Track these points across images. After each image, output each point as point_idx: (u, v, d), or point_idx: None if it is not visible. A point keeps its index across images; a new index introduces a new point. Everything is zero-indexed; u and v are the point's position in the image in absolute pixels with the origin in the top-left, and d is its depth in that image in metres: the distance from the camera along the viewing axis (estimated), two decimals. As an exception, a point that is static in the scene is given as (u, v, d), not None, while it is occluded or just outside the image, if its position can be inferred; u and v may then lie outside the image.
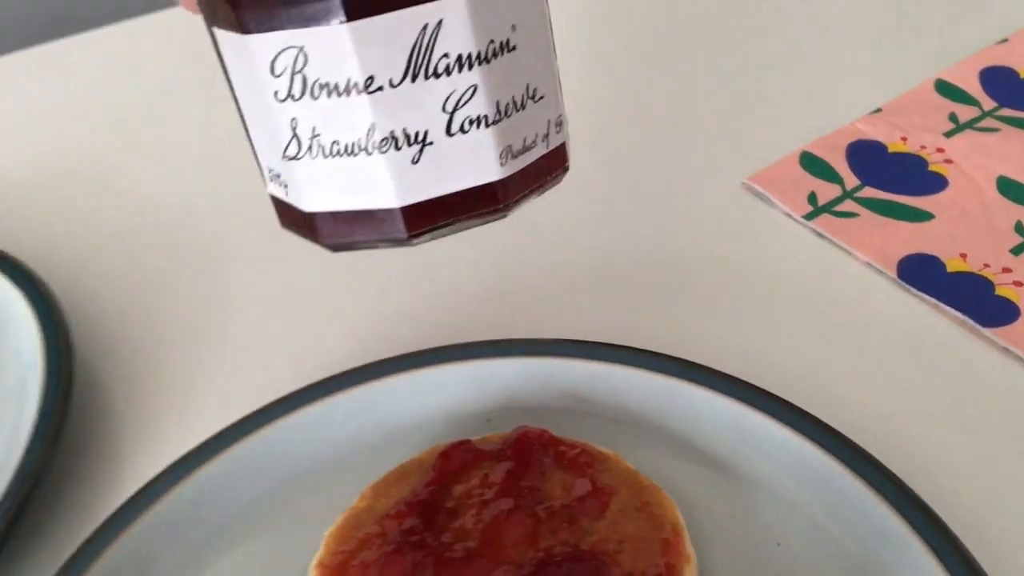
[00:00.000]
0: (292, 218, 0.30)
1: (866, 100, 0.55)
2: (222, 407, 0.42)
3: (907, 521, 0.33)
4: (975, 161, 0.49)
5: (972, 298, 0.42)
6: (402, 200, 0.28)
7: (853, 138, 0.52)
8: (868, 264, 0.45)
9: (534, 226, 0.49)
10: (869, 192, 0.49)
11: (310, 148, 0.28)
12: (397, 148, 0.27)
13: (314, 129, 0.27)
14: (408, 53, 0.26)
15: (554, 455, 0.36)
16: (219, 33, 0.28)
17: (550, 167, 0.30)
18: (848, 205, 0.48)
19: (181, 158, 0.59)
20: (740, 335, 0.43)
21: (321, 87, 0.27)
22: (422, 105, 0.27)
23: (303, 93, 0.27)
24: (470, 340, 0.41)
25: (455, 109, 0.27)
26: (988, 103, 0.53)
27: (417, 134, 0.27)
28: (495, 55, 0.27)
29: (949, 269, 0.44)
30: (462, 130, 0.27)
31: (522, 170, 0.29)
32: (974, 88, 0.54)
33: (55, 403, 0.40)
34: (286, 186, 0.29)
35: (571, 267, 0.48)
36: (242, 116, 0.29)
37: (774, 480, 0.36)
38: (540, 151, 0.29)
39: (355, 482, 0.37)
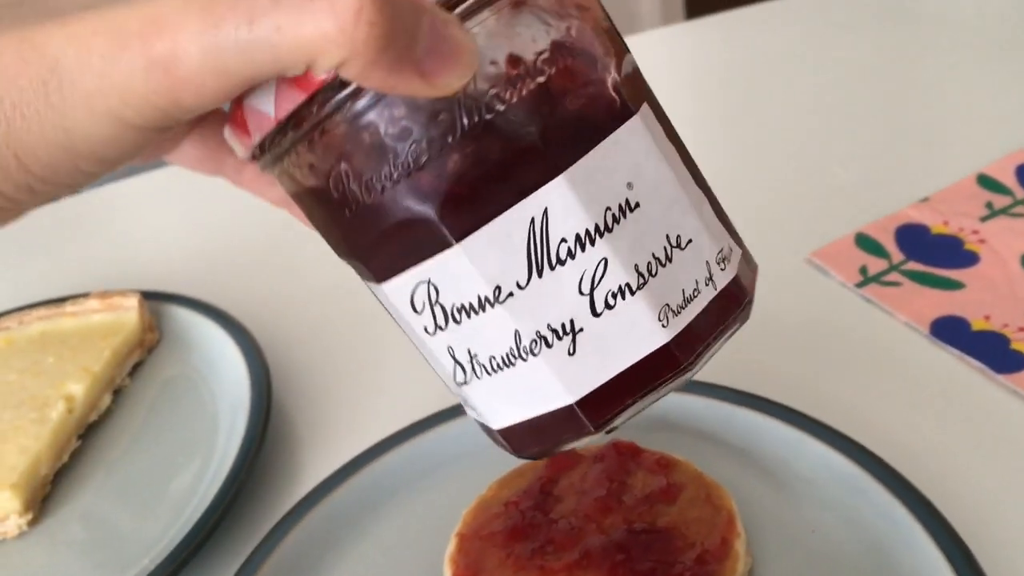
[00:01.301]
0: (490, 434, 0.30)
1: (917, 191, 0.65)
2: (384, 429, 0.54)
3: (916, 516, 0.41)
4: (1004, 241, 0.58)
5: (991, 351, 0.51)
6: (574, 395, 0.26)
7: (903, 222, 0.62)
8: (906, 324, 0.54)
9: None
10: (912, 266, 0.58)
11: (474, 370, 0.27)
12: (548, 345, 0.26)
13: (470, 351, 0.27)
14: (525, 252, 0.25)
15: (638, 459, 0.47)
16: (369, 285, 0.29)
17: (727, 306, 0.28)
18: (893, 276, 0.58)
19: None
20: (794, 377, 0.53)
21: (459, 310, 0.26)
22: (558, 296, 0.25)
23: (447, 321, 0.26)
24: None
25: (593, 288, 0.26)
26: (1021, 193, 0.62)
27: (564, 326, 0.26)
28: (616, 220, 0.25)
29: (974, 328, 0.53)
30: (608, 306, 0.26)
31: (692, 323, 0.27)
32: (1010, 181, 0.63)
33: (256, 429, 0.52)
34: (473, 408, 0.29)
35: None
36: (423, 355, 0.30)
37: (812, 483, 0.45)
38: (708, 295, 0.27)
39: (485, 477, 0.48)
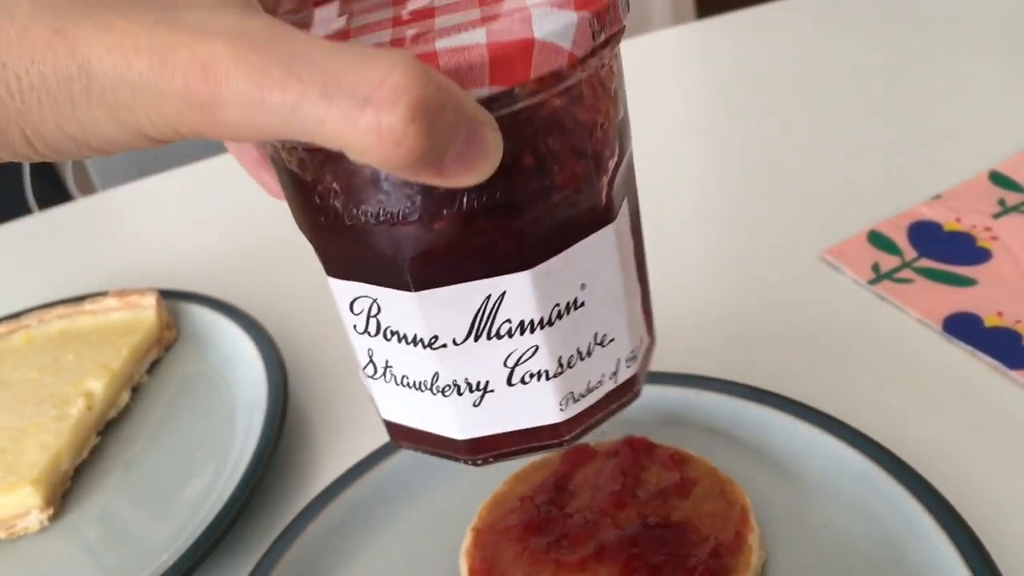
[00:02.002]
0: (376, 410, 0.33)
1: (929, 188, 0.65)
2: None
3: (928, 510, 0.42)
4: (1017, 238, 0.58)
5: (1004, 347, 0.51)
6: (464, 435, 0.29)
7: (915, 219, 0.62)
8: (919, 320, 0.55)
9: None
10: (924, 263, 0.58)
11: (384, 375, 0.29)
12: (459, 394, 0.28)
13: (387, 362, 0.29)
14: (471, 318, 0.26)
15: (653, 454, 0.47)
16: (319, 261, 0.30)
17: (617, 398, 0.30)
18: (906, 273, 0.58)
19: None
20: (808, 374, 0.53)
21: (393, 333, 0.28)
22: (484, 360, 0.27)
23: (377, 332, 0.28)
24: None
25: (516, 364, 0.27)
26: (1034, 190, 0.63)
27: (479, 383, 0.28)
28: (560, 316, 0.27)
29: (987, 324, 0.53)
30: (523, 382, 0.28)
31: (585, 409, 0.29)
32: (1022, 178, 0.63)
33: (273, 426, 0.53)
34: (368, 390, 0.32)
35: (671, 313, 0.59)
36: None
37: (825, 478, 0.46)
38: (607, 388, 0.30)
39: (500, 472, 0.48)
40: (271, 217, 0.78)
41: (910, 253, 0.59)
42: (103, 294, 0.64)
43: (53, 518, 0.52)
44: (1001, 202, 0.62)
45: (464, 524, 0.46)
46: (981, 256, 0.58)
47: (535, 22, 0.23)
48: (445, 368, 0.28)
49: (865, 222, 0.63)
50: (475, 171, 0.22)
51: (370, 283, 0.27)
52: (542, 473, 0.48)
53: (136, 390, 0.60)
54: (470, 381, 0.28)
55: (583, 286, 0.27)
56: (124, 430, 0.58)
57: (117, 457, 0.56)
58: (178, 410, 0.59)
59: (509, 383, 0.28)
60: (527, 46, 0.23)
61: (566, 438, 0.29)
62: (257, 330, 0.60)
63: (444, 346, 0.27)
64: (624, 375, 0.30)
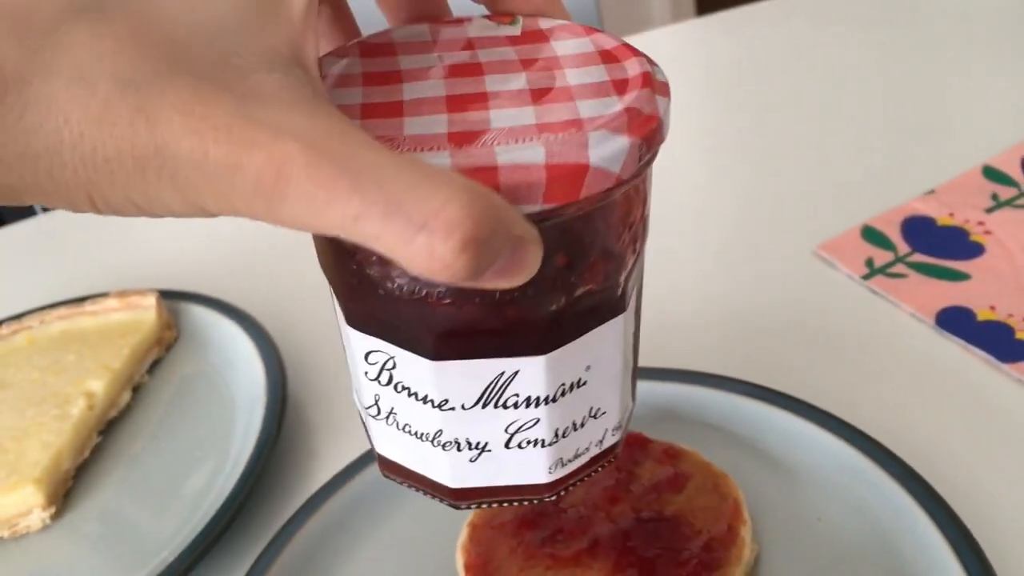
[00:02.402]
0: (367, 436, 0.34)
1: (923, 183, 0.65)
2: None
3: (920, 504, 0.42)
4: (1010, 232, 0.59)
5: (996, 341, 0.52)
6: (455, 484, 0.31)
7: (908, 214, 0.62)
8: (912, 315, 0.55)
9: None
10: (918, 257, 0.59)
11: (387, 419, 0.31)
12: (459, 450, 0.30)
13: (392, 409, 0.30)
14: (483, 389, 0.28)
15: (646, 450, 0.48)
16: (336, 308, 0.31)
17: (601, 459, 0.33)
18: (899, 268, 0.58)
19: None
20: (802, 370, 0.53)
21: (404, 388, 0.29)
22: (487, 425, 0.29)
23: (388, 384, 0.30)
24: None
25: (516, 432, 0.29)
26: (1027, 184, 0.63)
27: (478, 444, 0.30)
28: (563, 394, 0.29)
29: (979, 318, 0.54)
30: (519, 447, 0.30)
31: (571, 472, 0.31)
32: (1015, 172, 0.64)
33: (272, 424, 0.53)
34: (366, 425, 0.33)
35: (666, 312, 0.59)
36: (343, 344, 0.32)
37: (818, 472, 0.46)
38: (592, 453, 0.32)
39: (497, 469, 0.49)
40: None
41: (903, 248, 0.60)
42: (104, 295, 0.65)
43: (55, 517, 0.53)
44: (994, 196, 0.62)
45: (460, 519, 0.46)
46: (974, 250, 0.58)
47: (591, 147, 0.25)
48: (449, 427, 0.29)
49: (859, 217, 0.63)
50: (512, 281, 0.23)
51: (390, 343, 0.28)
52: (538, 469, 0.48)
53: (137, 390, 0.61)
54: (471, 441, 0.30)
55: (588, 368, 0.29)
56: (125, 429, 0.58)
57: (118, 456, 0.56)
58: (178, 409, 0.60)
59: (506, 446, 0.30)
60: (582, 171, 0.24)
61: (546, 496, 0.31)
62: (256, 330, 0.61)
63: (452, 409, 0.29)
64: (608, 443, 0.32)
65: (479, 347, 0.27)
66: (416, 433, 0.30)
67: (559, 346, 0.28)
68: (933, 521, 0.42)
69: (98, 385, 0.58)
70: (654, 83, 0.28)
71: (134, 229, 0.82)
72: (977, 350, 0.52)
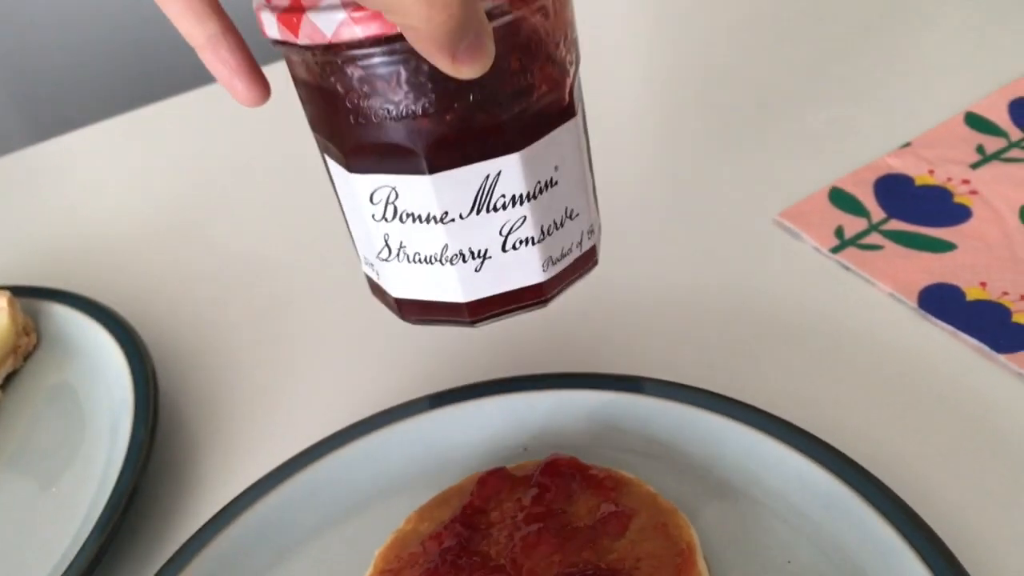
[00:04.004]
0: (381, 295, 0.39)
1: (897, 135, 0.57)
2: (287, 438, 0.46)
3: (909, 542, 0.35)
4: (999, 191, 0.51)
5: (989, 326, 0.44)
6: (467, 297, 0.36)
7: (882, 172, 0.54)
8: (891, 295, 0.47)
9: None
10: (894, 224, 0.51)
11: (398, 255, 0.36)
12: (464, 261, 0.35)
13: (401, 243, 0.35)
14: (474, 195, 0.34)
15: (581, 479, 0.40)
16: (329, 161, 0.35)
17: (583, 264, 0.38)
18: (873, 238, 0.50)
19: (258, 214, 0.65)
20: (764, 364, 0.46)
21: (408, 215, 0.34)
22: (484, 231, 0.35)
23: (394, 217, 0.35)
24: (509, 376, 0.45)
25: (509, 233, 0.35)
26: (1016, 134, 0.55)
27: (479, 251, 0.35)
28: (540, 192, 0.35)
29: (968, 298, 0.46)
30: (514, 248, 0.35)
31: (561, 271, 0.37)
32: (1003, 120, 0.56)
33: (143, 437, 0.46)
34: (378, 274, 0.38)
35: (605, 300, 0.51)
36: (345, 217, 0.37)
37: (786, 503, 0.38)
38: (575, 255, 0.38)
39: (403, 507, 0.40)
40: (136, 200, 0.69)
41: (878, 214, 0.51)
42: (-54, 297, 0.55)
43: None
44: (979, 149, 0.54)
45: (359, 574, 0.38)
46: (959, 215, 0.50)
47: None
48: (453, 239, 0.34)
49: (825, 178, 0.55)
50: (477, 63, 0.28)
51: (390, 173, 0.34)
52: (452, 506, 0.40)
53: (-13, 410, 0.52)
54: (472, 250, 0.35)
55: (556, 168, 0.35)
56: (-27, 458, 0.49)
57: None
58: (39, 431, 0.50)
59: (503, 249, 0.35)
60: None
61: (548, 296, 0.36)
62: (126, 332, 0.52)
63: (452, 220, 0.34)
64: (587, 245, 0.38)
65: (464, 154, 0.33)
66: (425, 258, 0.35)
67: (529, 143, 0.33)
68: (925, 564, 0.34)
69: (-68, 412, 0.48)
70: None
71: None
72: (968, 338, 0.44)
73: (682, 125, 0.64)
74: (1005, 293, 0.45)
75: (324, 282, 0.56)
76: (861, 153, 0.56)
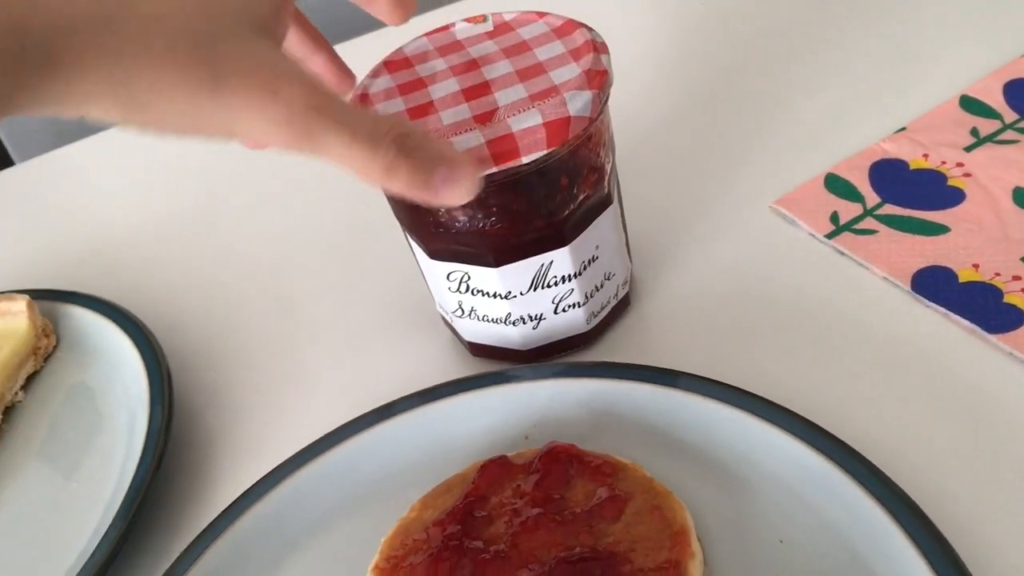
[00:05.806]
0: (453, 331, 0.49)
1: (892, 119, 0.57)
2: (296, 433, 0.48)
3: (899, 523, 0.35)
4: (992, 173, 0.51)
5: (981, 307, 0.45)
6: (526, 347, 0.47)
7: (877, 157, 0.55)
8: (885, 279, 0.48)
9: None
10: (889, 209, 0.51)
11: (469, 315, 0.46)
12: (524, 323, 0.45)
13: (472, 307, 0.45)
14: (532, 278, 0.43)
15: (579, 466, 0.41)
16: (410, 239, 0.45)
17: (620, 310, 0.48)
18: (868, 223, 0.51)
19: (269, 217, 0.66)
20: (759, 349, 0.46)
21: (478, 291, 0.44)
22: (539, 302, 0.44)
23: (467, 291, 0.44)
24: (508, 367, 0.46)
25: (559, 301, 0.44)
26: (1010, 115, 0.55)
27: (536, 315, 0.45)
28: (584, 269, 0.44)
29: (961, 279, 0.46)
30: (563, 311, 0.45)
31: (601, 321, 0.47)
32: (997, 102, 0.56)
33: (159, 433, 0.47)
34: (452, 322, 0.48)
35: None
36: (422, 273, 0.47)
37: (779, 484, 0.39)
38: (612, 305, 0.47)
39: (408, 496, 0.42)
40: (149, 203, 0.70)
41: (872, 199, 0.52)
42: (-34, 301, 0.57)
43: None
44: (974, 132, 0.55)
45: (366, 561, 0.39)
46: (953, 198, 0.51)
47: (569, 103, 0.38)
48: (514, 309, 0.44)
49: (821, 164, 0.55)
50: (458, 193, 0.32)
51: (463, 263, 0.43)
52: (454, 494, 0.41)
53: (9, 411, 0.53)
54: (531, 315, 0.45)
55: (597, 247, 0.44)
56: (-4, 458, 0.51)
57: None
58: (60, 431, 0.52)
59: (555, 312, 0.45)
60: (567, 121, 0.38)
61: (590, 340, 0.47)
62: (142, 333, 0.53)
63: (514, 296, 0.43)
64: (622, 294, 0.48)
65: (524, 251, 0.42)
66: (492, 319, 0.45)
67: (575, 237, 0.42)
68: (915, 545, 0.35)
69: (-44, 413, 0.50)
70: (596, 45, 0.41)
71: None
72: (961, 319, 0.45)
73: (676, 114, 0.65)
74: (997, 274, 0.46)
75: (332, 282, 0.58)
76: (856, 139, 0.57)
